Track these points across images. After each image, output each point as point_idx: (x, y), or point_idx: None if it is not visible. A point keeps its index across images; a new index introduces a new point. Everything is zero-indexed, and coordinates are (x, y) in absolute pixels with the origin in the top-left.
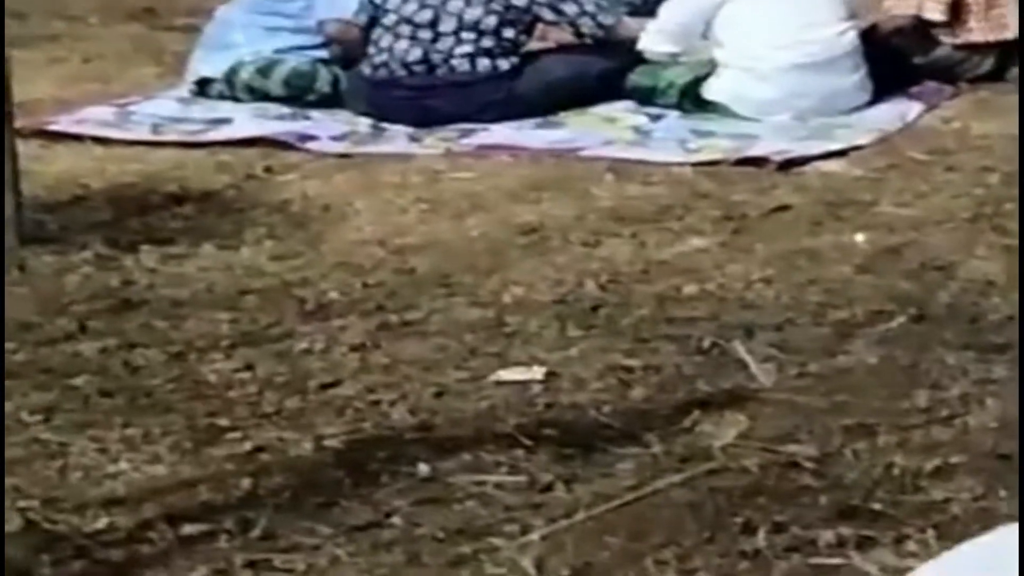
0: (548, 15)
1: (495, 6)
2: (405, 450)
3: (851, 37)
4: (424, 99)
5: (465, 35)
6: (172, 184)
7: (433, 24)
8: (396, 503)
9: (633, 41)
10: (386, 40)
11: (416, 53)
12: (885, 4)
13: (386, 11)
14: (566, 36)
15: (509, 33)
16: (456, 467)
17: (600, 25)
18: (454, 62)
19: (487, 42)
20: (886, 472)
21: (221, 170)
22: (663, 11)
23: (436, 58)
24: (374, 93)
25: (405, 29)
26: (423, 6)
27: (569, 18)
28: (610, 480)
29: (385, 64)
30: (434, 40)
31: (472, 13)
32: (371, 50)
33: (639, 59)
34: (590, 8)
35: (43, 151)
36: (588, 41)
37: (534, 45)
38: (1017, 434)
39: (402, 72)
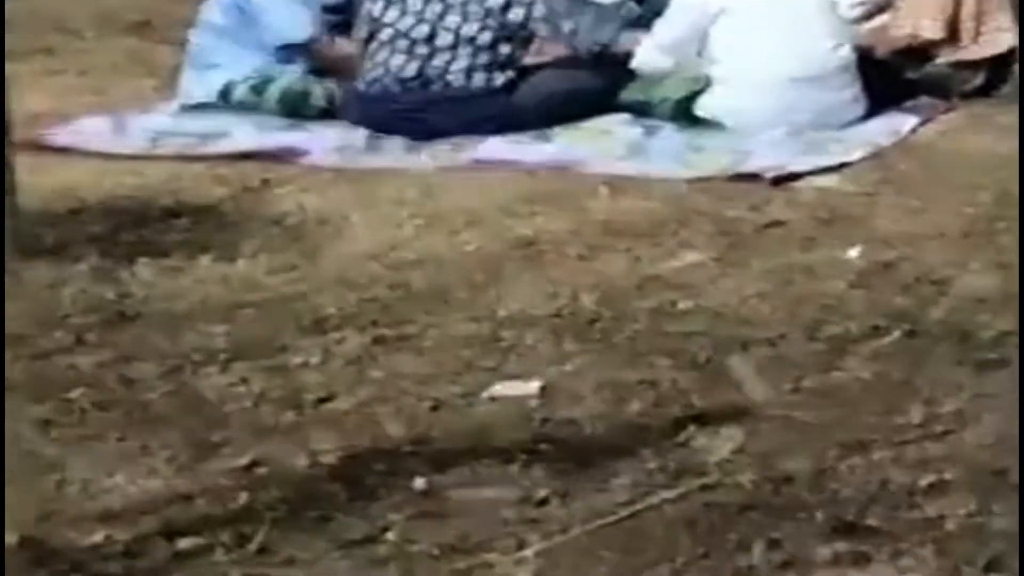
0: (544, 30)
1: (491, 22)
2: (401, 464)
3: (845, 51)
4: (419, 114)
5: (461, 50)
6: (168, 197)
7: (430, 39)
8: (392, 517)
9: (628, 56)
10: (382, 55)
11: (412, 68)
12: (882, 21)
13: (383, 25)
14: (562, 51)
15: (505, 48)
16: (452, 481)
17: (596, 40)
18: (450, 77)
19: (483, 57)
20: (881, 488)
21: (218, 183)
22: (658, 27)
23: (432, 73)
24: (369, 108)
25: (402, 44)
26: (420, 21)
27: (565, 33)
28: (605, 495)
29: (380, 79)
30: (430, 55)
31: (469, 28)
32: (367, 64)
33: (634, 74)
34: (586, 23)
35: (39, 163)
36: (584, 56)
37: (530, 60)
38: (1013, 449)
39: (397, 87)
